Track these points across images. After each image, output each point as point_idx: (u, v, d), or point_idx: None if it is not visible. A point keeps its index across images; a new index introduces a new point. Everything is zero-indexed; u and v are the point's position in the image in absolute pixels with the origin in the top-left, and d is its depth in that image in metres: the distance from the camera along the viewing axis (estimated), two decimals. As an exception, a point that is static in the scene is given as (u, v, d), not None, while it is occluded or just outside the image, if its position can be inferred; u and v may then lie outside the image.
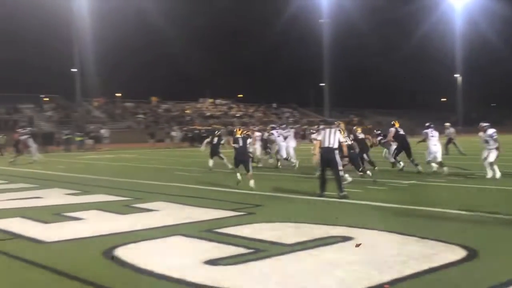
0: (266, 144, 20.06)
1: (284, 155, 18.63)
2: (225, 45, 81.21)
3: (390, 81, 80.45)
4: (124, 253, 6.20)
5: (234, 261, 5.69)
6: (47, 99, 60.55)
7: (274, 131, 19.35)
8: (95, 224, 8.29)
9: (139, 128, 56.51)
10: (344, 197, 10.31)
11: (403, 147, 15.96)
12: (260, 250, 6.18)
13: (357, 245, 6.21)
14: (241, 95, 77.20)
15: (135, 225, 8.00)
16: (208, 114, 66.99)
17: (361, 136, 15.59)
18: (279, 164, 18.85)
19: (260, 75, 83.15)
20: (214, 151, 18.25)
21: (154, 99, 67.73)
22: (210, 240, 6.80)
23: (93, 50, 53.10)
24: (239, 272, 5.29)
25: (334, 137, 10.69)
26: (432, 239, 6.50)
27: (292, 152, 18.93)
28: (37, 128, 37.83)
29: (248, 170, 12.62)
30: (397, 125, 16.29)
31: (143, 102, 66.59)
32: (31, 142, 24.98)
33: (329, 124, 11.59)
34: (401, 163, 16.06)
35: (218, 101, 72.82)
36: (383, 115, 69.28)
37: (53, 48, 55.69)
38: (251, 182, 12.33)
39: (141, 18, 63.30)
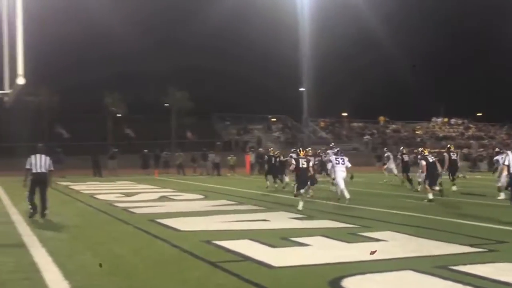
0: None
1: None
2: (467, 59, 77.17)
3: None
4: (351, 284, 6.36)
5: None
6: (275, 119, 64.62)
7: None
8: (320, 251, 8.63)
9: (366, 150, 56.85)
10: None
11: None
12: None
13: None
14: (481, 113, 72.61)
15: (362, 255, 8.12)
16: (441, 135, 64.48)
17: None
18: None
19: (506, 90, 77.10)
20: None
21: (382, 118, 67.59)
22: (445, 278, 6.60)
23: (319, 68, 55.19)
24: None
25: None
26: None
27: None
28: (264, 149, 40.56)
29: None
30: None
31: (371, 121, 66.88)
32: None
33: None
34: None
35: (453, 120, 69.69)
36: None
37: (282, 68, 59.33)
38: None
39: (366, 35, 63.92)
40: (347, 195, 16.18)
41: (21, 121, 53.60)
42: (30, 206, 12.97)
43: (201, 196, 19.33)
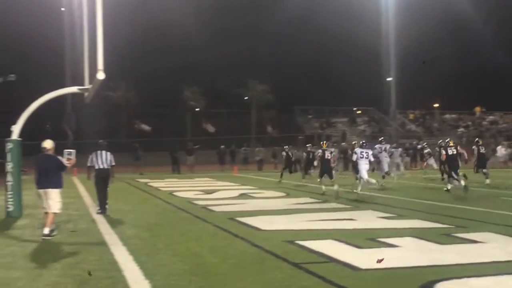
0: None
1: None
2: None
3: None
4: (444, 289, 6.22)
5: None
6: (360, 112, 63.81)
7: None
8: (411, 253, 8.48)
9: (461, 144, 55.07)
10: None
11: None
12: None
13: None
14: None
15: (458, 258, 7.90)
16: (546, 126, 61.45)
17: None
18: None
19: None
20: None
21: (477, 109, 65.21)
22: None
23: (408, 56, 53.95)
24: None
25: None
26: None
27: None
28: (347, 144, 40.08)
29: None
30: None
31: (465, 113, 64.70)
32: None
33: None
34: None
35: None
36: None
37: (367, 57, 58.40)
38: None
39: (457, 19, 61.69)
40: (373, 181, 19.34)
41: (100, 117, 55.79)
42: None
43: (283, 194, 19.42)
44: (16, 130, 14.12)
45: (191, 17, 58.88)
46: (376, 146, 23.25)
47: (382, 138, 25.89)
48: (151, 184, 25.19)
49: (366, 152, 19.31)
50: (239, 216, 12.87)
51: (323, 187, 18.89)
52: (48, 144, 10.97)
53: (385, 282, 6.77)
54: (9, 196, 13.82)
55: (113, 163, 14.23)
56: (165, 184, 25.18)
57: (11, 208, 13.77)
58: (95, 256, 8.58)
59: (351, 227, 11.28)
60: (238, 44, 65.05)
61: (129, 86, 62.34)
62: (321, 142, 20.99)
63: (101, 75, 12.42)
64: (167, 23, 58.04)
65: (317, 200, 17.03)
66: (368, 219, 12.49)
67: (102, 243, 9.74)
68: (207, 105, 62.78)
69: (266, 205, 15.73)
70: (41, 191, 10.75)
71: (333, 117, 61.54)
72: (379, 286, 6.66)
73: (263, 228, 11.13)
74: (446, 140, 21.33)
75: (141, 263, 7.95)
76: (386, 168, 23.05)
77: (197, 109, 62.51)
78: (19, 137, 14.21)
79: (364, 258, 8.09)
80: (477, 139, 24.62)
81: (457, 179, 18.85)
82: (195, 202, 16.76)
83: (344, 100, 61.03)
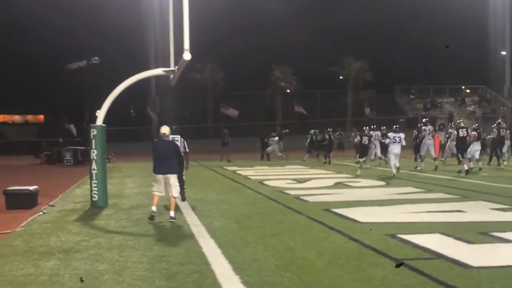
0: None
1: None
2: None
3: None
4: None
5: None
6: (469, 91, 61.73)
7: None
8: (530, 250, 8.16)
9: None
10: None
11: None
12: None
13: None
14: None
15: None
16: None
17: None
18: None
19: None
20: None
21: None
22: None
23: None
24: None
25: None
26: None
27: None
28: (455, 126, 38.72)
29: None
30: None
31: None
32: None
33: None
34: None
35: None
36: None
37: (476, 29, 56.19)
38: None
39: None
40: (394, 171, 21.11)
41: (186, 101, 57.02)
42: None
43: (383, 183, 19.17)
44: (100, 115, 14.54)
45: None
46: (425, 127, 24.79)
47: (426, 119, 27.49)
48: (239, 172, 25.52)
49: (398, 137, 21.22)
50: (335, 207, 12.83)
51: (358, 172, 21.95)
52: (165, 129, 11.87)
53: (498, 282, 6.56)
54: (94, 185, 14.27)
55: (187, 150, 14.52)
56: (254, 172, 25.44)
57: (96, 198, 14.24)
58: (182, 249, 8.81)
59: (460, 220, 11.04)
60: (331, 19, 64.37)
61: (216, 68, 63.24)
62: (364, 128, 24.65)
63: (187, 56, 12.64)
64: (257, 3, 58.28)
65: (421, 190, 16.68)
66: (479, 211, 12.14)
67: (190, 235, 9.98)
68: (298, 86, 62.74)
69: (364, 195, 15.62)
70: (160, 176, 11.67)
71: (438, 97, 59.94)
72: (491, 286, 6.46)
73: (361, 221, 11.05)
74: (458, 121, 23.34)
75: (230, 257, 8.09)
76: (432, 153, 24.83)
77: (288, 91, 62.61)
78: (104, 123, 14.63)
79: (475, 255, 7.88)
80: (499, 120, 27.46)
81: (462, 161, 21.42)
82: (287, 191, 16.83)
83: (451, 78, 59.14)
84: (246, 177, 22.54)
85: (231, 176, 23.24)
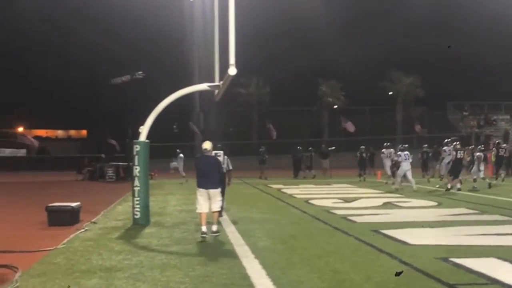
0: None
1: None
2: None
3: None
4: None
5: None
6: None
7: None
8: None
9: None
10: None
11: None
12: None
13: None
14: None
15: None
16: None
17: None
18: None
19: None
20: None
21: None
22: None
23: None
24: None
25: None
26: None
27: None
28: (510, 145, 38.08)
29: None
30: None
31: None
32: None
33: None
34: None
35: None
36: None
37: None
38: None
39: None
40: (414, 186, 23.63)
41: (230, 116, 57.24)
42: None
43: (434, 203, 18.88)
44: (144, 131, 14.71)
45: (327, 4, 58.80)
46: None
47: (446, 140, 27.34)
48: (284, 190, 25.49)
49: (407, 154, 23.96)
50: (383, 228, 12.70)
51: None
52: (207, 145, 12.40)
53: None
54: (136, 202, 14.41)
55: (230, 168, 14.65)
56: (299, 190, 25.37)
57: (138, 215, 14.35)
58: (225, 269, 8.82)
59: (516, 243, 10.79)
60: (381, 33, 64.01)
61: (261, 82, 63.40)
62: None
63: (232, 71, 12.71)
64: (301, 12, 58.40)
65: (475, 211, 16.38)
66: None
67: (233, 255, 10.00)
68: (346, 101, 62.41)
69: (414, 216, 15.43)
70: (203, 190, 12.05)
71: (493, 113, 58.82)
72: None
73: (411, 243, 10.90)
74: (454, 143, 24.64)
75: (275, 278, 8.07)
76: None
77: (335, 106, 62.36)
78: (147, 139, 14.79)
79: (534, 282, 7.67)
80: (498, 141, 32.10)
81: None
82: (334, 211, 16.73)
83: (506, 94, 57.99)
84: (291, 196, 22.49)
85: (276, 195, 23.23)
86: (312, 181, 32.46)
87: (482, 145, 29.62)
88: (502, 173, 29.55)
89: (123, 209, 17.79)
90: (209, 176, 12.08)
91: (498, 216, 15.17)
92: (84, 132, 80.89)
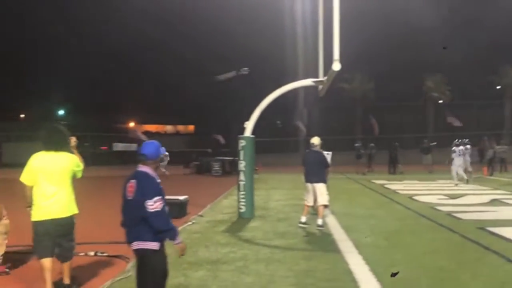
0: None
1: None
2: None
3: None
4: None
5: None
6: None
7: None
8: None
9: None
10: None
11: None
12: None
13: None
14: None
15: None
16: None
17: None
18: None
19: None
20: None
21: None
22: None
23: None
24: None
25: None
26: None
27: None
28: None
29: None
30: None
31: None
32: None
33: None
34: None
35: None
36: None
37: None
38: None
39: None
40: (465, 176, 24.30)
41: (334, 112, 56.97)
42: None
43: (545, 201, 18.06)
44: (249, 126, 14.91)
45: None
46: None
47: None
48: (388, 186, 25.09)
49: (461, 150, 24.46)
50: (490, 226, 12.28)
51: None
52: (316, 140, 12.96)
53: None
54: (242, 196, 14.65)
55: (328, 165, 14.40)
56: (403, 186, 24.88)
57: (243, 209, 14.60)
58: (328, 264, 8.80)
59: None
60: (487, 26, 61.53)
61: (365, 77, 62.71)
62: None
63: (337, 66, 12.61)
64: (406, 5, 57.08)
65: None
66: None
67: (336, 250, 9.96)
68: (452, 96, 60.71)
69: (523, 214, 14.81)
70: (309, 185, 12.54)
71: None
72: None
73: (520, 241, 10.48)
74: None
75: (378, 275, 7.98)
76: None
77: (440, 101, 60.78)
78: (252, 134, 14.98)
79: None
80: None
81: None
82: (439, 207, 16.32)
83: None
84: (394, 192, 22.10)
85: (379, 190, 22.90)
86: (416, 177, 31.75)
87: None
88: None
89: (228, 203, 18.09)
90: (315, 170, 12.52)
91: None
92: (191, 128, 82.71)
